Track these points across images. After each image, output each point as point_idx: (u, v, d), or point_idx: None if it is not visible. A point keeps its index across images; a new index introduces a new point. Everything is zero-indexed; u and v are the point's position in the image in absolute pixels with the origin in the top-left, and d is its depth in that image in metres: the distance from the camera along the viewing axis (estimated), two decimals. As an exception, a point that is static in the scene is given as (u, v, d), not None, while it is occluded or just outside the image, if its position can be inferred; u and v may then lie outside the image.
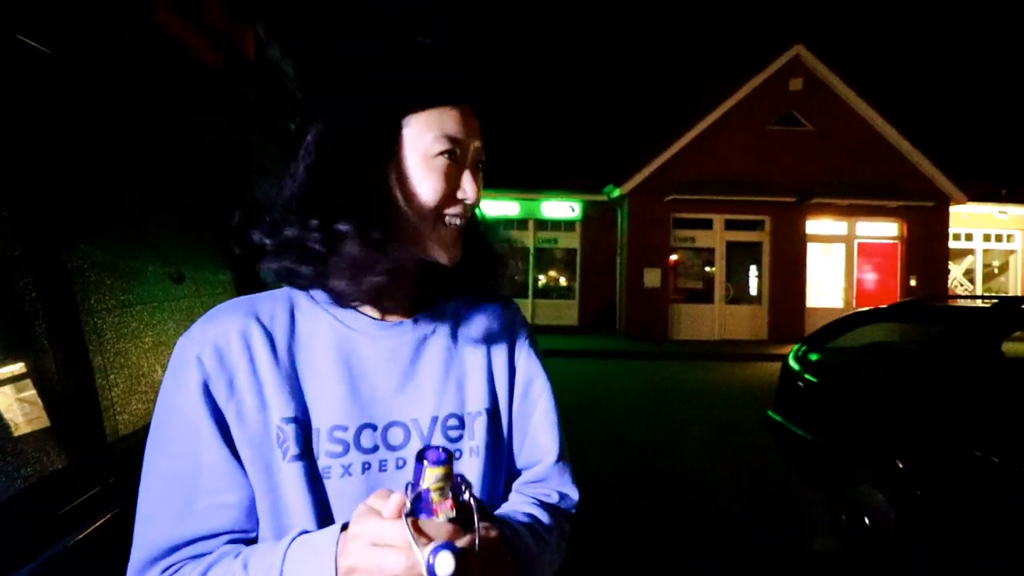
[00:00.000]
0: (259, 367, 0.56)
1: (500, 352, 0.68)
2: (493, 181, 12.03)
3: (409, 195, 0.58)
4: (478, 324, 0.68)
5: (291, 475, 0.55)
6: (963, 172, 11.53)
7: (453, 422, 0.62)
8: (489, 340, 0.68)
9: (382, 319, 0.63)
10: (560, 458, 0.70)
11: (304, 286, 0.61)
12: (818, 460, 3.28)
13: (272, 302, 0.61)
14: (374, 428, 0.59)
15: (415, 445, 0.60)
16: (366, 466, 0.58)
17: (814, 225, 11.64)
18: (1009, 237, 12.77)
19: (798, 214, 11.48)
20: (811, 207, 11.39)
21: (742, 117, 11.33)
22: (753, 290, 12.03)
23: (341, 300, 0.59)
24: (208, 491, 0.54)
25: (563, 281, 12.83)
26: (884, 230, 11.74)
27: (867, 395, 3.07)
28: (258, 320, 0.58)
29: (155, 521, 0.53)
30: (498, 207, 12.25)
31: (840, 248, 11.91)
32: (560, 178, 12.17)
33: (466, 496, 0.47)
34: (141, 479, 0.55)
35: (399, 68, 0.57)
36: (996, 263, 13.05)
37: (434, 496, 0.44)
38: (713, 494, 3.67)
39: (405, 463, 0.59)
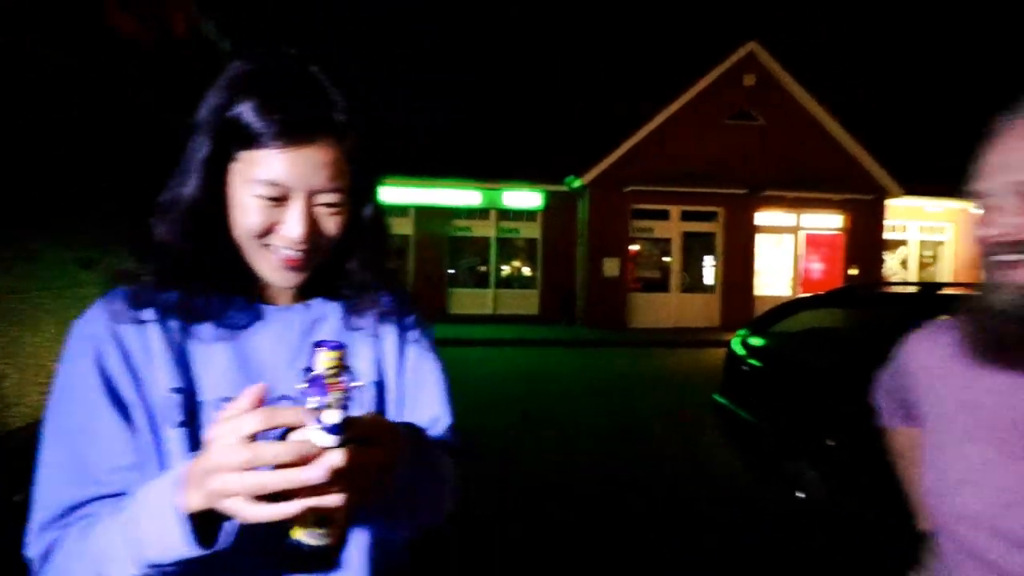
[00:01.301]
0: (150, 342, 0.61)
1: (390, 333, 0.74)
2: (454, 171, 11.94)
3: (235, 220, 0.61)
4: (373, 309, 0.72)
5: (176, 441, 0.60)
6: (899, 167, 12.20)
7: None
8: (380, 322, 0.73)
9: (274, 303, 0.69)
10: (448, 427, 0.76)
11: (188, 276, 0.65)
12: (758, 440, 3.45)
13: (146, 287, 0.64)
14: (263, 400, 0.61)
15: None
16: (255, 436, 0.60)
17: (764, 217, 12.10)
18: (941, 229, 13.62)
19: (749, 206, 11.90)
20: (761, 199, 11.82)
21: (698, 111, 11.61)
22: (707, 279, 12.44)
23: (226, 288, 0.65)
24: (104, 456, 0.58)
25: (525, 271, 12.90)
26: (829, 222, 12.31)
27: (802, 378, 3.24)
28: (148, 301, 0.62)
29: (54, 486, 0.57)
30: (460, 197, 12.17)
31: (788, 239, 12.43)
32: (522, 168, 12.18)
33: (356, 385, 0.50)
34: (40, 448, 0.59)
35: (234, 106, 0.58)
36: (929, 253, 13.91)
37: (328, 379, 0.46)
38: (664, 474, 3.80)
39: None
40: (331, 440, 0.45)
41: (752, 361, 3.71)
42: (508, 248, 12.85)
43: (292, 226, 0.60)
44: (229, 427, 0.46)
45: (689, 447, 4.37)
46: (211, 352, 0.64)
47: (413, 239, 12.23)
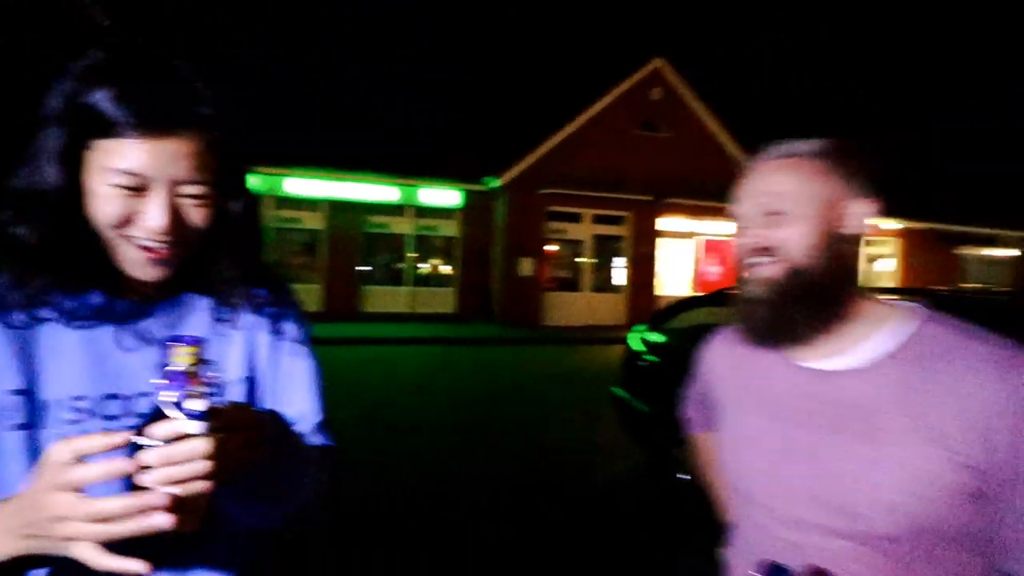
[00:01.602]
0: None
1: (265, 329, 0.74)
2: (372, 165, 11.63)
3: (93, 211, 0.59)
4: (245, 305, 0.72)
5: (13, 444, 0.58)
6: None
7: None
8: (254, 319, 0.73)
9: (137, 300, 0.66)
10: (318, 419, 0.76)
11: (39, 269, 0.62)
12: (651, 428, 3.77)
13: (6, 281, 0.62)
14: (122, 398, 0.63)
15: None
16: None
17: (667, 222, 13.03)
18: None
19: (654, 212, 12.77)
20: (665, 206, 12.72)
21: (610, 120, 12.25)
22: (615, 279, 13.17)
23: (80, 282, 0.62)
24: None
25: (443, 269, 12.86)
26: (724, 228, 13.53)
27: (687, 371, 3.59)
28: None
29: None
30: (377, 192, 11.88)
31: (688, 244, 13.49)
32: (441, 166, 12.14)
33: (216, 378, 0.52)
34: None
35: (87, 95, 0.56)
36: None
37: (188, 373, 0.47)
38: (564, 462, 4.04)
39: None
40: (197, 427, 0.46)
41: (647, 356, 4.05)
42: (426, 245, 12.74)
43: (152, 216, 0.58)
44: (60, 476, 0.45)
45: (590, 436, 4.66)
46: (62, 350, 0.61)
47: (325, 234, 11.76)
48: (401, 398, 5.81)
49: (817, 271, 0.69)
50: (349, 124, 12.22)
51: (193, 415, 0.47)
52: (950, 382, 0.62)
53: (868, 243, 15.96)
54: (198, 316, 0.70)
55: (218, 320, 0.71)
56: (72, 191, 0.58)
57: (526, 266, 12.01)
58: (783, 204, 0.71)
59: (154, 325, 0.66)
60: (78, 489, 0.45)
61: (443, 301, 12.59)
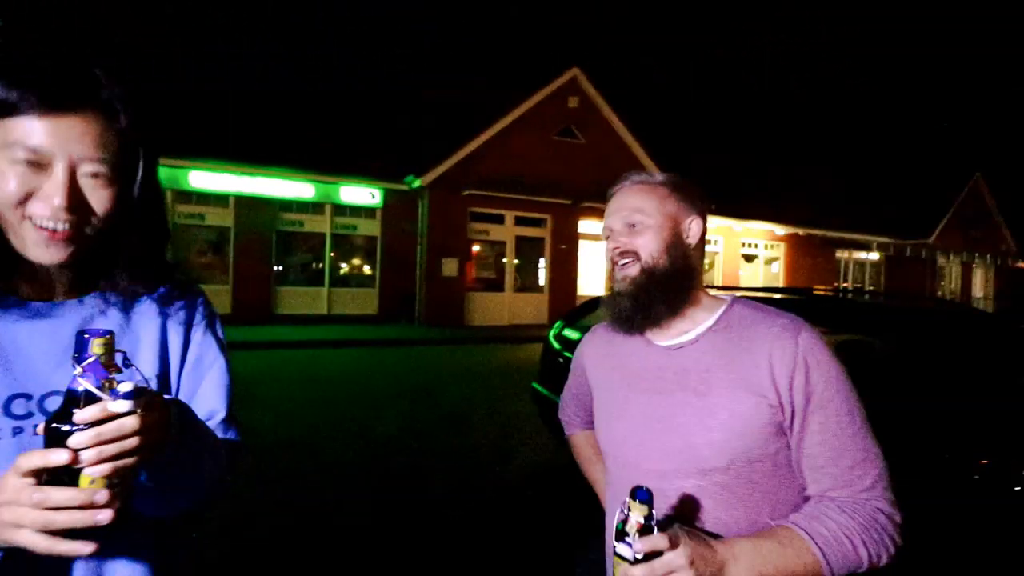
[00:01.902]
0: None
1: (176, 328, 0.76)
2: (287, 160, 11.08)
3: None
4: (153, 304, 0.74)
5: None
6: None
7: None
8: (164, 317, 0.75)
9: (42, 299, 0.67)
10: (227, 417, 0.79)
11: None
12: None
13: None
14: (29, 397, 0.64)
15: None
16: (17, 430, 0.63)
17: (585, 225, 13.59)
18: (715, 241, 16.76)
19: (573, 215, 13.27)
20: (583, 209, 13.27)
21: (530, 125, 12.58)
22: (538, 280, 13.53)
23: None
24: None
25: (364, 269, 12.53)
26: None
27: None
28: None
29: None
30: (292, 188, 11.32)
31: (603, 245, 14.14)
32: (361, 164, 11.81)
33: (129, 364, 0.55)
34: None
35: None
36: (706, 261, 17.06)
37: (103, 360, 0.51)
38: (493, 454, 4.15)
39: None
40: (123, 407, 0.50)
41: (564, 352, 4.25)
42: (345, 245, 12.33)
43: (53, 190, 0.58)
44: (14, 470, 0.48)
45: (512, 429, 4.81)
46: None
47: (233, 231, 11.02)
48: (319, 400, 5.63)
49: (665, 269, 0.89)
50: (262, 116, 11.57)
51: (118, 395, 0.51)
52: (750, 344, 0.84)
53: (766, 247, 17.59)
54: (106, 315, 0.70)
55: (127, 320, 0.71)
56: None
57: (449, 267, 12.01)
58: (639, 218, 0.90)
59: (63, 326, 0.66)
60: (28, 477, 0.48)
61: (363, 302, 12.26)
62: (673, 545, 0.69)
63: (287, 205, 11.48)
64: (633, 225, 0.91)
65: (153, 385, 0.72)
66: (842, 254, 19.50)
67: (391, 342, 9.99)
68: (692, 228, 0.92)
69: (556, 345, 4.38)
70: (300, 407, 5.39)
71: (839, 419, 0.80)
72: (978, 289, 23.27)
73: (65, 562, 0.64)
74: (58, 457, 0.48)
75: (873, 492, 0.79)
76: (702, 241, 0.94)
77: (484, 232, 12.72)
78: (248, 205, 11.02)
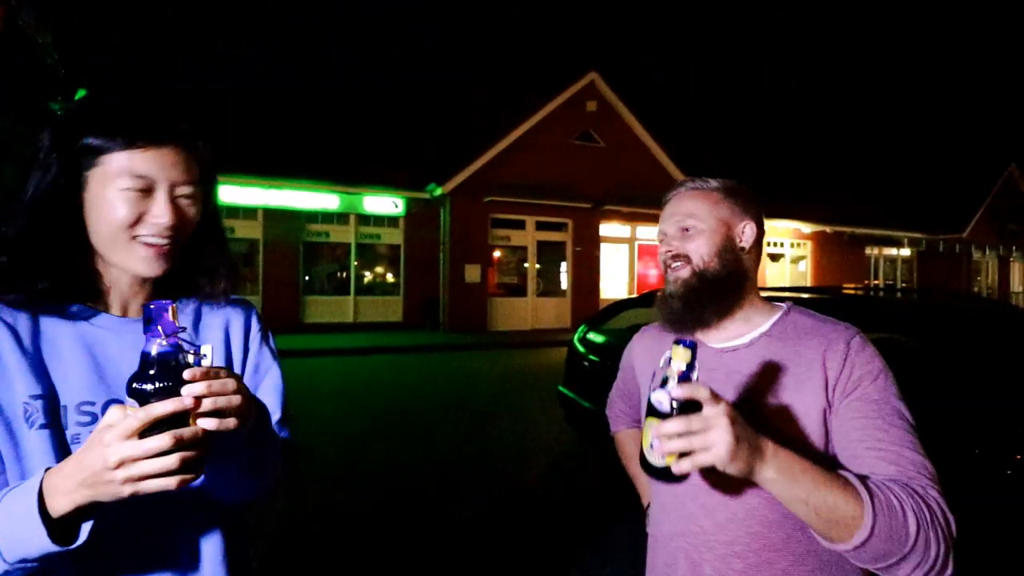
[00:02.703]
0: (4, 356, 0.66)
1: (236, 337, 0.86)
2: (313, 173, 11.37)
3: (100, 220, 0.70)
4: (214, 319, 0.84)
5: (38, 442, 0.66)
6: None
7: None
8: (226, 327, 0.85)
9: (125, 314, 0.76)
10: (282, 418, 0.86)
11: (37, 292, 0.70)
12: (595, 423, 4.00)
13: (10, 303, 0.69)
14: (120, 403, 0.72)
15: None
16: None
17: (606, 228, 13.58)
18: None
19: (594, 218, 13.27)
20: (604, 213, 13.26)
21: (549, 130, 12.64)
22: (559, 284, 13.55)
23: (81, 301, 0.72)
24: None
25: (388, 277, 12.73)
26: (655, 234, 14.23)
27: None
28: (13, 320, 0.68)
29: None
30: (318, 200, 11.61)
31: (625, 248, 14.10)
32: (383, 174, 12.04)
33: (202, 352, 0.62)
34: None
35: (89, 119, 0.69)
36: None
37: (172, 319, 0.56)
38: (521, 458, 4.20)
39: None
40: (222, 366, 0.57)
41: (589, 355, 4.29)
42: (369, 254, 12.57)
43: (159, 211, 0.70)
44: (115, 431, 0.53)
45: (539, 433, 4.85)
46: (67, 360, 0.70)
47: (262, 243, 11.35)
48: (351, 407, 5.76)
49: (715, 272, 0.92)
50: (287, 130, 11.90)
51: (198, 359, 0.58)
52: (805, 349, 0.87)
53: (792, 246, 17.28)
54: (200, 324, 0.81)
55: (194, 328, 0.81)
56: (73, 210, 0.69)
57: (472, 273, 12.13)
58: (692, 223, 0.93)
59: (141, 340, 0.76)
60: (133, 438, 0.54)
61: (388, 310, 12.46)
62: (715, 399, 0.65)
63: (313, 216, 11.76)
64: (686, 229, 0.94)
65: None
66: (872, 251, 19.01)
67: (417, 348, 10.13)
68: (746, 232, 0.94)
69: (581, 348, 4.42)
70: (331, 413, 5.53)
71: (883, 413, 0.79)
72: (1017, 284, 22.39)
73: (148, 540, 0.71)
74: (177, 404, 0.54)
75: (922, 478, 0.74)
76: (757, 245, 0.96)
77: (506, 238, 12.81)
78: (276, 217, 11.34)
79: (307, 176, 11.33)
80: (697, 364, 0.67)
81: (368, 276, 12.60)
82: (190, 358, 0.58)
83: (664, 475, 0.68)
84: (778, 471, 0.68)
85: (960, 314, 2.44)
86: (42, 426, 0.66)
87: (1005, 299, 20.50)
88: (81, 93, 2.12)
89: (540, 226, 13.03)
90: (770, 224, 16.04)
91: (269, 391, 0.85)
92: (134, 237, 0.70)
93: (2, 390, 0.65)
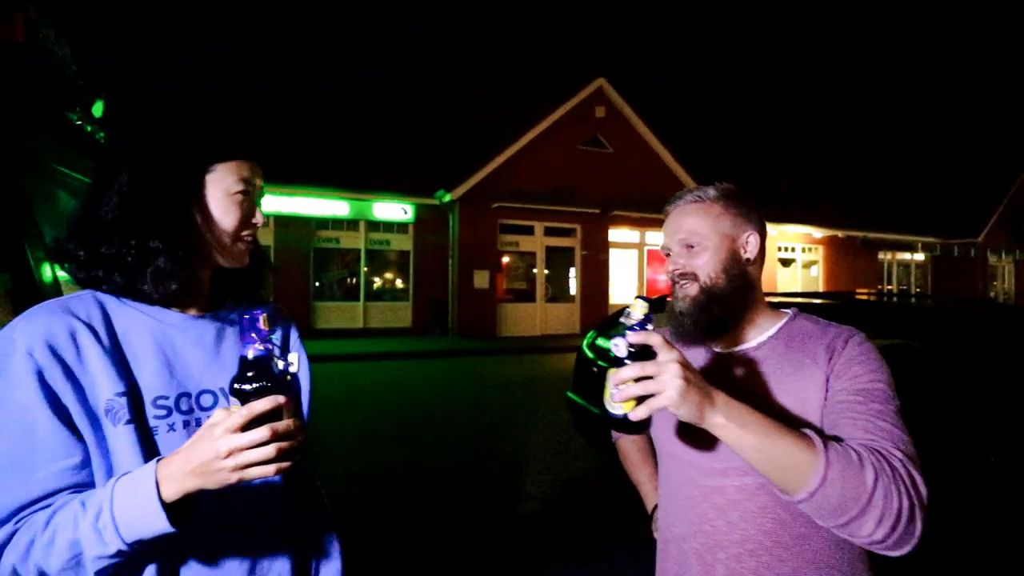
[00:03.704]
0: (85, 356, 0.70)
1: (277, 340, 0.94)
2: (323, 180, 11.49)
3: (212, 222, 0.79)
4: (256, 318, 0.90)
5: (123, 436, 0.70)
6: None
7: None
8: (272, 328, 0.92)
9: (185, 313, 0.82)
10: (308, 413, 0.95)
11: (111, 291, 0.76)
12: (604, 429, 3.99)
13: (83, 303, 0.73)
14: (189, 395, 0.78)
15: (222, 404, 0.81)
16: (186, 423, 0.77)
17: (615, 233, 13.55)
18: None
19: (602, 224, 13.26)
20: (612, 218, 13.24)
21: (557, 136, 12.68)
22: (568, 290, 13.53)
23: (148, 300, 0.77)
24: (47, 460, 0.65)
25: (397, 283, 12.80)
26: (667, 239, 14.19)
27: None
28: (77, 318, 0.71)
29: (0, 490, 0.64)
30: (328, 207, 11.72)
31: (634, 253, 14.06)
32: (392, 180, 12.14)
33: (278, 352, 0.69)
34: None
35: (206, 133, 0.80)
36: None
37: (264, 327, 0.65)
38: (530, 463, 4.19)
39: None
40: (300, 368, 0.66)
41: (598, 361, 4.27)
42: (379, 260, 12.65)
43: (258, 214, 0.84)
44: (223, 426, 0.61)
45: (548, 439, 4.84)
46: (141, 356, 0.74)
47: (273, 249, 11.47)
48: (360, 412, 5.79)
49: (723, 288, 0.93)
50: (298, 138, 12.05)
51: (287, 363, 0.67)
52: (809, 348, 0.89)
53: (804, 251, 17.14)
54: (232, 326, 0.87)
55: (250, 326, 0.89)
56: (184, 217, 0.77)
57: (481, 279, 12.16)
58: (696, 239, 0.94)
59: (205, 336, 0.82)
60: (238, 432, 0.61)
61: (398, 316, 12.51)
62: (668, 347, 0.69)
63: (323, 223, 11.87)
64: (690, 246, 0.94)
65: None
66: (885, 256, 18.79)
67: (426, 354, 10.16)
68: (750, 243, 0.95)
69: (589, 354, 4.40)
70: (342, 418, 5.56)
71: (867, 392, 0.80)
72: (1035, 289, 22.01)
73: (228, 503, 0.77)
74: (272, 403, 0.62)
75: (890, 444, 0.74)
76: (761, 253, 0.97)
77: (514, 243, 12.84)
78: (287, 224, 11.46)
79: (317, 183, 11.45)
80: (653, 318, 0.71)
81: (378, 282, 12.68)
82: (279, 363, 0.66)
83: (623, 424, 0.71)
84: (728, 417, 0.70)
85: (976, 319, 2.41)
86: (127, 422, 0.70)
87: (1022, 304, 20.14)
88: (99, 104, 2.16)
89: (549, 232, 13.04)
90: (781, 229, 15.93)
91: (304, 391, 0.94)
92: (240, 238, 0.82)
93: (87, 389, 0.68)
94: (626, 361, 0.70)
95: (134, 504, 0.62)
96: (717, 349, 0.97)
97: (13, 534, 0.64)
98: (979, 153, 22.57)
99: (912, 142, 24.18)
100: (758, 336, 0.94)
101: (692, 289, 0.94)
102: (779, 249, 16.64)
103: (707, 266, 0.93)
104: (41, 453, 0.65)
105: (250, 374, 0.63)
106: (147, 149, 0.77)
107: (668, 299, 1.01)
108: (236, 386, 0.63)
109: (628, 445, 1.28)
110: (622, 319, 0.72)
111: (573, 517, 3.33)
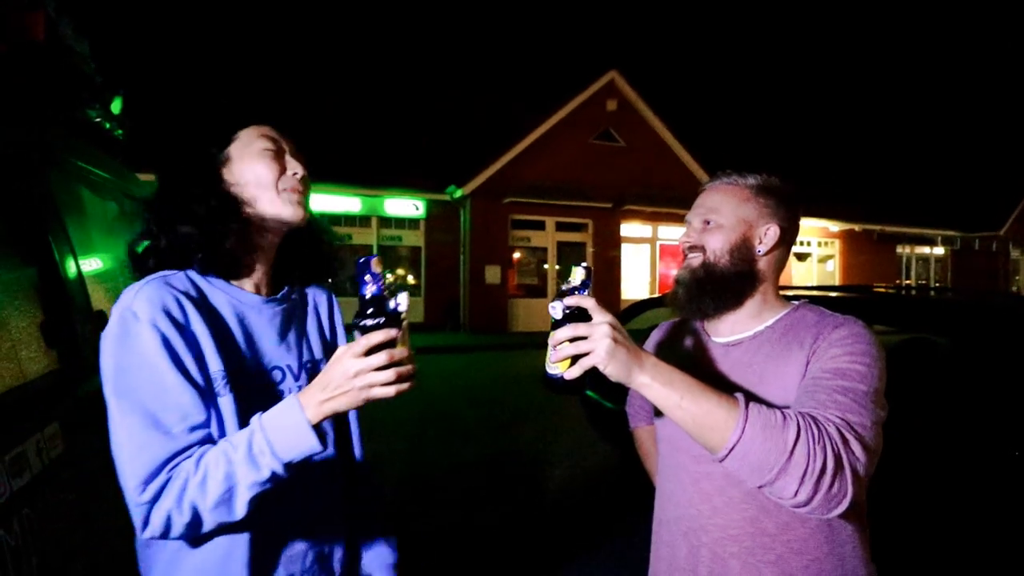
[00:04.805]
0: (194, 328, 0.77)
1: (326, 320, 1.04)
2: (335, 176, 11.56)
3: (247, 178, 0.84)
4: (317, 303, 1.02)
5: (226, 406, 0.78)
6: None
7: (310, 365, 0.94)
8: (324, 313, 1.04)
9: (257, 294, 0.89)
10: None
11: (199, 269, 0.83)
12: (617, 423, 3.98)
13: (179, 280, 0.80)
14: (265, 371, 0.87)
15: (289, 382, 0.89)
16: (260, 394, 0.84)
17: (627, 228, 13.47)
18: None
19: (614, 218, 13.18)
20: (624, 212, 13.16)
21: (568, 130, 12.61)
22: (580, 285, 13.47)
23: (222, 275, 0.84)
24: (181, 418, 0.72)
25: (409, 279, 12.86)
26: (679, 233, 14.04)
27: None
28: (181, 292, 0.78)
29: (145, 446, 0.70)
30: (340, 203, 11.81)
31: (647, 248, 13.96)
32: (404, 176, 12.18)
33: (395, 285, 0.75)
34: (115, 423, 0.71)
35: (231, 105, 0.87)
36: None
37: (378, 270, 0.72)
38: (544, 458, 4.21)
39: (284, 393, 0.88)
40: (404, 305, 0.73)
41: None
42: (391, 256, 12.73)
43: (294, 164, 0.88)
44: (349, 352, 0.69)
45: (562, 433, 4.85)
46: (229, 334, 0.82)
47: (287, 246, 11.58)
48: (373, 407, 5.83)
49: (724, 269, 0.94)
50: (310, 135, 12.13)
51: (397, 302, 0.73)
52: (799, 338, 0.89)
53: (820, 245, 16.91)
54: (295, 307, 0.95)
55: (302, 309, 0.98)
56: (219, 182, 0.84)
57: (492, 274, 12.17)
58: (713, 217, 0.95)
59: (276, 316, 0.90)
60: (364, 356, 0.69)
61: (410, 311, 12.51)
62: (601, 310, 0.73)
63: (336, 220, 11.95)
64: (707, 222, 0.96)
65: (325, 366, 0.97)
66: (903, 249, 18.45)
67: (438, 349, 10.21)
68: (767, 234, 0.95)
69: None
70: (359, 411, 5.61)
71: (838, 371, 0.79)
72: (1060, 283, 21.46)
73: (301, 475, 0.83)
74: (387, 334, 0.70)
75: (832, 414, 0.74)
76: (779, 247, 0.96)
77: (525, 239, 12.82)
78: (300, 220, 11.55)
79: (329, 180, 11.53)
80: (591, 282, 0.76)
81: (390, 278, 12.66)
82: (391, 302, 0.73)
83: (560, 385, 0.74)
84: (653, 377, 0.72)
85: (998, 313, 2.35)
86: (228, 392, 0.78)
87: (1046, 298, 19.65)
88: (118, 100, 2.19)
89: (560, 227, 12.99)
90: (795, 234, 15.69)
91: None
92: (281, 188, 0.85)
93: (201, 358, 0.76)
94: (563, 323, 0.73)
95: (285, 428, 0.70)
96: (715, 339, 0.98)
97: (166, 484, 0.69)
98: (1001, 144, 22.04)
99: (932, 133, 23.67)
100: (757, 326, 0.95)
101: (695, 261, 0.96)
102: (795, 243, 16.42)
103: (715, 244, 0.94)
104: (175, 411, 0.72)
105: (369, 311, 0.71)
106: (174, 129, 0.85)
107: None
108: (357, 321, 0.71)
109: (643, 435, 1.29)
110: (563, 285, 0.77)
111: (586, 508, 3.34)
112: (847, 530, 0.86)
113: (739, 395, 0.74)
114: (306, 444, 0.70)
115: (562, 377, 0.74)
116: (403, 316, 0.73)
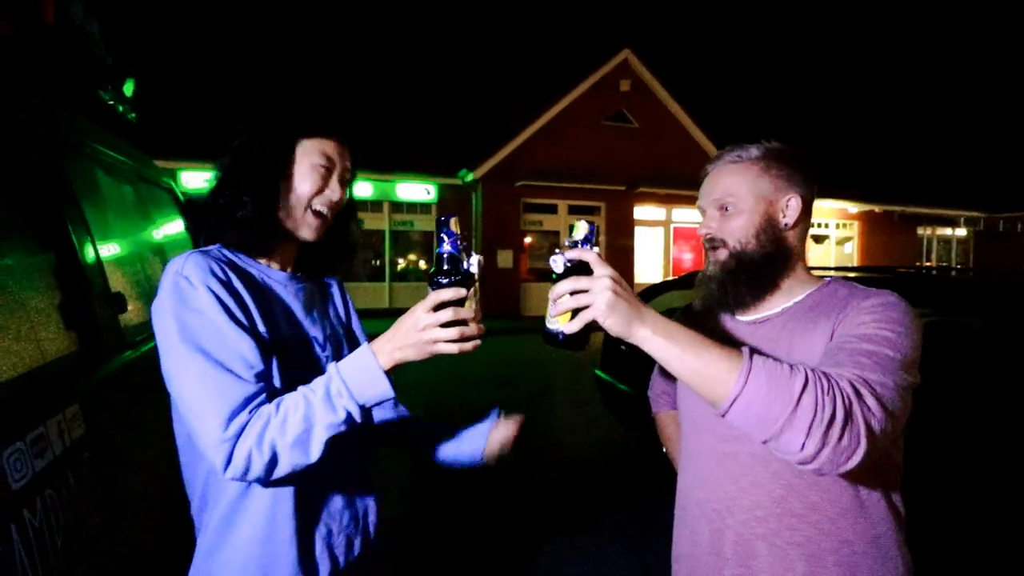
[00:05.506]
0: (241, 294, 0.83)
1: (339, 303, 1.13)
2: (344, 161, 11.53)
3: (293, 187, 0.89)
4: (329, 286, 1.11)
5: (272, 365, 0.83)
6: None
7: (333, 339, 0.99)
8: (336, 296, 1.12)
9: (284, 271, 0.96)
10: None
11: (235, 247, 0.89)
12: (633, 407, 3.96)
13: (218, 252, 0.87)
14: (301, 339, 0.92)
15: (319, 352, 0.94)
16: (307, 358, 0.91)
17: (640, 211, 13.31)
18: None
19: (628, 201, 13.02)
20: (638, 195, 12.99)
21: (581, 112, 12.41)
22: (593, 269, 13.39)
23: (255, 253, 0.91)
24: (248, 366, 0.77)
25: (422, 264, 12.88)
26: (694, 216, 13.87)
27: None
28: (226, 263, 0.85)
29: (224, 389, 0.74)
30: (353, 188, 11.78)
31: (661, 231, 13.80)
32: (415, 161, 12.12)
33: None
34: (186, 375, 0.74)
35: (299, 114, 0.91)
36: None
37: (456, 229, 0.74)
38: (560, 441, 4.21)
39: (322, 360, 0.93)
40: (476, 266, 0.75)
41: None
42: (403, 241, 12.74)
43: (334, 189, 0.91)
44: (420, 307, 0.73)
45: (577, 416, 4.85)
46: (261, 306, 0.86)
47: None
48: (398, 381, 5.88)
49: (753, 255, 0.90)
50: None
51: (470, 261, 0.75)
52: (828, 310, 0.85)
53: (838, 227, 16.59)
54: (317, 291, 1.02)
55: (321, 291, 1.05)
56: (273, 180, 0.88)
57: (504, 258, 12.14)
58: (730, 200, 0.90)
59: (301, 292, 0.96)
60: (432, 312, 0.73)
61: (423, 296, 12.46)
62: (602, 263, 0.71)
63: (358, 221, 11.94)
64: (724, 208, 0.92)
65: (342, 339, 1.03)
66: (924, 231, 18.02)
67: (450, 334, 10.24)
68: (790, 206, 0.91)
69: (618, 332, 4.36)
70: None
71: (864, 336, 0.75)
72: (1088, 264, 20.84)
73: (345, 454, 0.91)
74: (455, 293, 0.73)
75: (849, 372, 0.69)
76: (803, 218, 0.92)
77: (538, 222, 12.73)
78: (313, 206, 11.58)
79: (341, 165, 11.50)
80: (594, 238, 0.74)
81: (402, 263, 12.78)
82: (465, 262, 0.74)
83: (560, 340, 0.73)
84: (654, 330, 0.70)
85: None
86: (272, 354, 0.83)
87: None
88: (130, 83, 2.17)
89: (573, 210, 12.88)
90: (814, 204, 15.39)
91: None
92: (309, 207, 0.90)
93: (252, 321, 0.81)
94: (564, 276, 0.71)
95: (360, 372, 0.75)
96: (740, 317, 0.94)
97: (247, 422, 0.73)
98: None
99: (954, 111, 22.93)
100: (785, 303, 0.91)
101: (721, 254, 0.92)
102: (812, 225, 16.09)
103: (738, 231, 0.90)
104: (241, 360, 0.76)
105: (444, 268, 0.74)
106: (248, 125, 0.90)
107: (698, 274, 0.98)
108: (432, 277, 0.74)
109: (666, 420, 1.27)
110: (565, 240, 0.75)
111: (603, 491, 3.33)
112: (879, 511, 0.82)
113: (744, 348, 0.71)
114: (380, 388, 0.75)
115: (562, 332, 0.72)
116: (475, 277, 0.74)
